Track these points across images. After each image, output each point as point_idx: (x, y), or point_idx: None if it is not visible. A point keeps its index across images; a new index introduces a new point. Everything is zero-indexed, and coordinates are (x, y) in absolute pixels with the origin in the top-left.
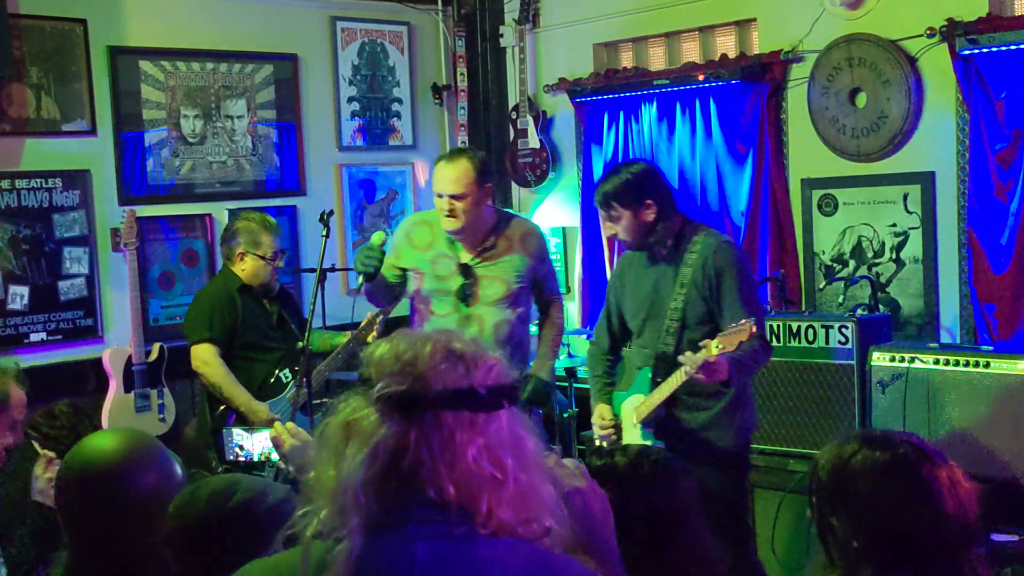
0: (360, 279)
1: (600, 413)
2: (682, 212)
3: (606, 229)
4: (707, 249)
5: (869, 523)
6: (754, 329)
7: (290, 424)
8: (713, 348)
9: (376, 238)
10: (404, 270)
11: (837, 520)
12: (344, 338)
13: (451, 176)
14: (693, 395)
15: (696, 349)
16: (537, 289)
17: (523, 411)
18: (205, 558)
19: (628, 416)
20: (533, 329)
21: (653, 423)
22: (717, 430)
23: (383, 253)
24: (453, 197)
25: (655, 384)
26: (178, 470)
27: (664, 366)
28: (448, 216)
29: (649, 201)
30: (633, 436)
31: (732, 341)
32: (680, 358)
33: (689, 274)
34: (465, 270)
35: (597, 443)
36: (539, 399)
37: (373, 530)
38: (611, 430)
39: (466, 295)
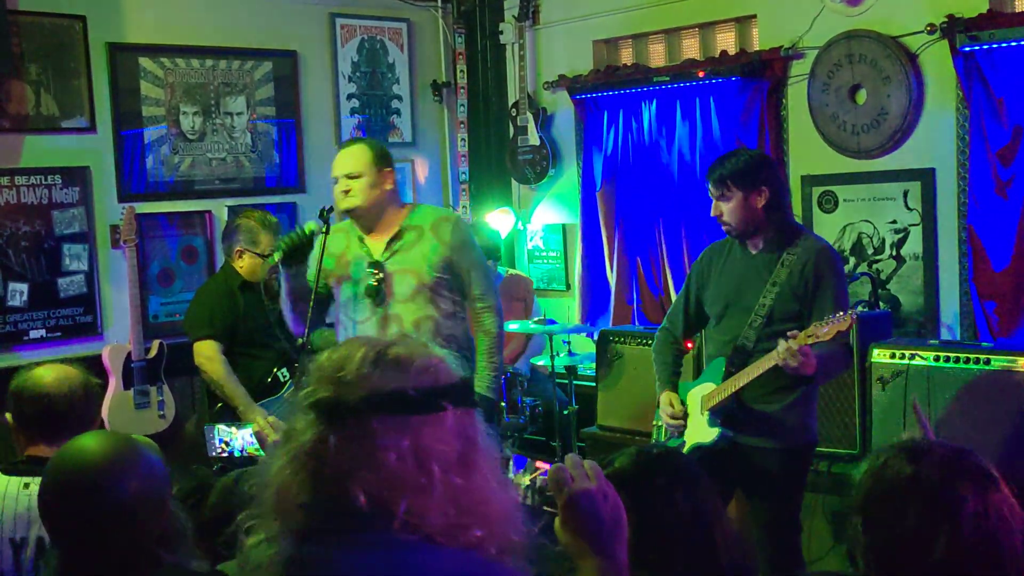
0: (276, 255)
1: (669, 401)
2: (790, 210)
3: (714, 209)
4: (809, 252)
5: (887, 545)
6: (854, 320)
7: (272, 418)
8: (809, 336)
9: (308, 225)
10: (328, 286)
11: (860, 534)
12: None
13: (345, 158)
14: (761, 389)
15: (775, 346)
16: (462, 286)
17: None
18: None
19: (695, 404)
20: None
21: (721, 413)
22: (786, 422)
23: (309, 236)
24: (348, 176)
25: (729, 374)
26: (160, 467)
27: (740, 358)
28: (344, 195)
29: (763, 187)
30: (699, 424)
31: (831, 330)
32: (780, 341)
33: (785, 274)
34: (376, 267)
35: (664, 432)
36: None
37: (301, 536)
38: (681, 420)
39: (379, 293)
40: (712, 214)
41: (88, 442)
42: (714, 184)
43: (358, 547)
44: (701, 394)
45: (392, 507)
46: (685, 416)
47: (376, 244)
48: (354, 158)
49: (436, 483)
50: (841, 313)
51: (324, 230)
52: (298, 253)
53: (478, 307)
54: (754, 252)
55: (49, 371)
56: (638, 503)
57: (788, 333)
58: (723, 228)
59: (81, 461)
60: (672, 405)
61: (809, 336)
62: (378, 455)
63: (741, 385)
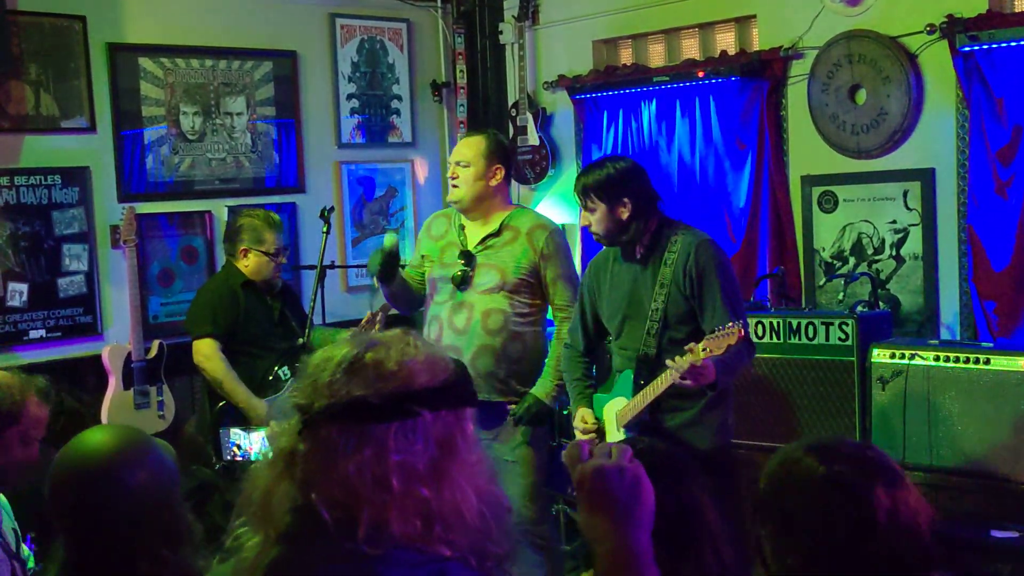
0: (374, 280)
1: (582, 416)
2: (661, 212)
3: (582, 219)
4: (688, 247)
5: (801, 540)
6: (742, 333)
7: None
8: (700, 352)
9: (387, 240)
10: (422, 272)
11: (770, 531)
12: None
13: (461, 146)
14: (672, 397)
15: (679, 350)
16: (544, 293)
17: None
18: None
19: (611, 420)
20: None
21: (636, 427)
22: (695, 430)
23: (393, 256)
24: (458, 164)
25: (638, 386)
26: (170, 464)
27: (647, 368)
28: (452, 183)
29: (626, 199)
30: (616, 440)
31: (720, 345)
32: (668, 362)
33: (669, 274)
34: (466, 256)
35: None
36: (533, 419)
37: (282, 540)
38: (593, 434)
39: (462, 281)
40: (581, 223)
41: (98, 433)
42: (578, 195)
43: (328, 557)
44: (615, 410)
45: (356, 517)
46: (599, 430)
47: (473, 235)
48: (468, 147)
49: (396, 495)
50: (730, 324)
51: (326, 230)
52: (390, 269)
53: (559, 316)
54: (637, 258)
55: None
56: None
57: (685, 347)
58: (593, 237)
59: (90, 450)
60: (585, 420)
61: (704, 351)
62: (338, 465)
63: (649, 400)
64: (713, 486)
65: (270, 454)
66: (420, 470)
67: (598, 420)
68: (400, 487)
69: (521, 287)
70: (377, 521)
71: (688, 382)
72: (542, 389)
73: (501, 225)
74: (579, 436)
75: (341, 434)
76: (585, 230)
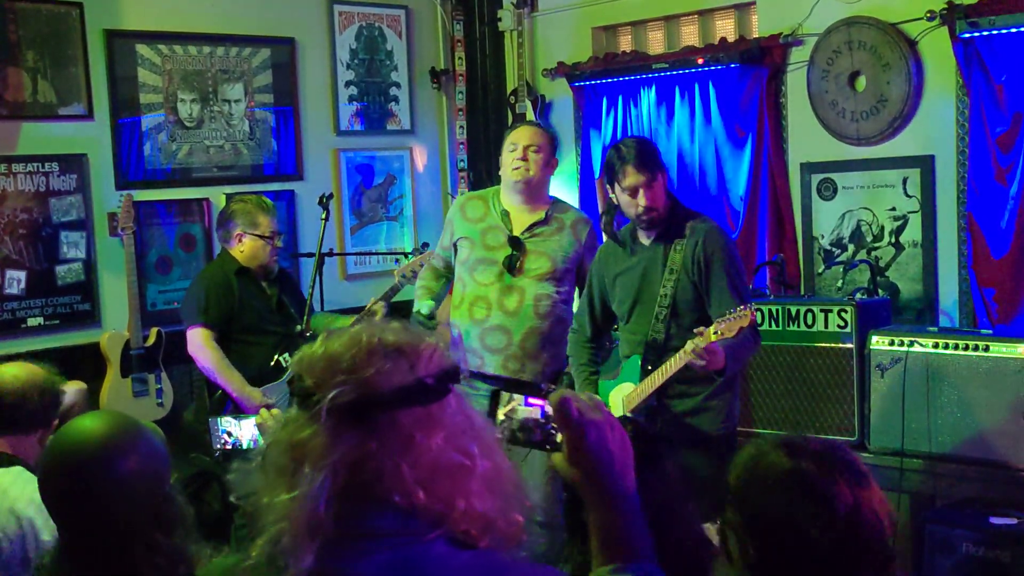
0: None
1: None
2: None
3: (640, 199)
4: (698, 234)
5: (764, 532)
6: (754, 316)
7: (275, 411)
8: (711, 335)
9: (424, 308)
10: (454, 244)
11: (736, 520)
12: (347, 322)
13: (529, 131)
14: (679, 383)
15: (688, 336)
16: (582, 282)
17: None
18: None
19: (616, 405)
20: None
21: (643, 412)
22: (703, 416)
23: (429, 319)
24: (528, 147)
25: (646, 372)
26: (162, 449)
27: (654, 354)
28: (520, 161)
29: (665, 168)
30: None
31: (732, 328)
32: (690, 342)
33: (679, 260)
34: (515, 242)
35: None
36: None
37: (329, 549)
38: None
39: (512, 266)
40: (642, 204)
41: (89, 419)
42: (645, 168)
43: (390, 552)
44: (621, 395)
45: (444, 500)
46: None
47: (519, 221)
48: (538, 135)
49: (476, 464)
50: (741, 308)
51: (324, 217)
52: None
53: None
54: (647, 243)
55: (13, 368)
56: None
57: (695, 331)
58: (643, 219)
59: (82, 436)
60: None
61: (716, 333)
62: (418, 448)
63: (658, 385)
64: (719, 471)
65: (307, 462)
66: (476, 440)
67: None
68: (478, 456)
69: (566, 274)
70: (466, 499)
71: (700, 364)
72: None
73: (547, 215)
74: None
75: (413, 419)
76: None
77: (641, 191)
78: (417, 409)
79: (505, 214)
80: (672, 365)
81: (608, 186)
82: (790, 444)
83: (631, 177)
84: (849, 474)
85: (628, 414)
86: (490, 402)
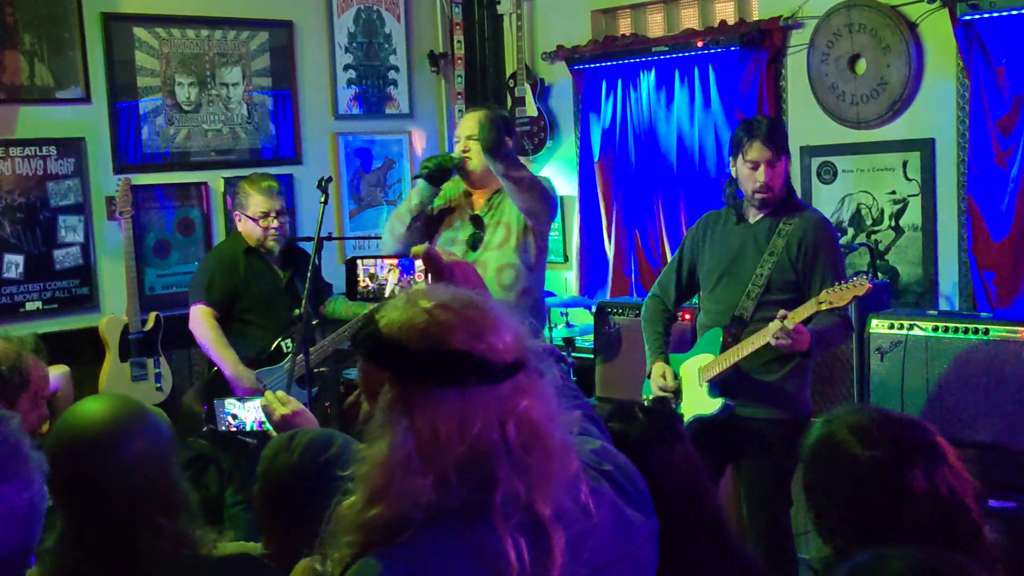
0: (421, 171)
1: (662, 372)
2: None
3: (760, 174)
4: (807, 224)
5: (844, 522)
6: (871, 286)
7: (280, 392)
8: (821, 303)
9: (456, 155)
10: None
11: (817, 508)
12: (368, 309)
13: (470, 121)
14: (762, 359)
15: (773, 315)
16: (544, 242)
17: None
18: (293, 509)
19: (691, 375)
20: None
21: (720, 384)
22: (784, 392)
23: (456, 163)
24: (469, 138)
25: (727, 344)
26: (166, 432)
27: (738, 328)
28: (464, 155)
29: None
30: (698, 395)
31: (844, 296)
32: (776, 319)
33: (782, 244)
34: (476, 220)
35: (650, 399)
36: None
37: (453, 520)
38: (671, 393)
39: (475, 243)
40: (760, 179)
41: (93, 403)
42: (772, 145)
43: (520, 528)
44: (698, 365)
45: (547, 475)
46: (677, 388)
47: (479, 199)
48: (476, 124)
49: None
50: (855, 278)
51: (323, 201)
52: (442, 176)
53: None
54: (752, 222)
55: None
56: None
57: (780, 313)
58: (757, 196)
59: (87, 419)
60: (664, 377)
61: (822, 303)
62: (536, 423)
63: (743, 355)
64: (787, 449)
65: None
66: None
67: (676, 377)
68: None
69: (527, 233)
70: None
71: (786, 342)
72: None
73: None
74: (656, 392)
75: (516, 389)
76: (583, 202)
77: (763, 167)
78: (520, 378)
79: (468, 194)
80: (760, 337)
81: (731, 158)
82: (861, 430)
83: (756, 151)
84: (922, 456)
85: (711, 388)
86: None
